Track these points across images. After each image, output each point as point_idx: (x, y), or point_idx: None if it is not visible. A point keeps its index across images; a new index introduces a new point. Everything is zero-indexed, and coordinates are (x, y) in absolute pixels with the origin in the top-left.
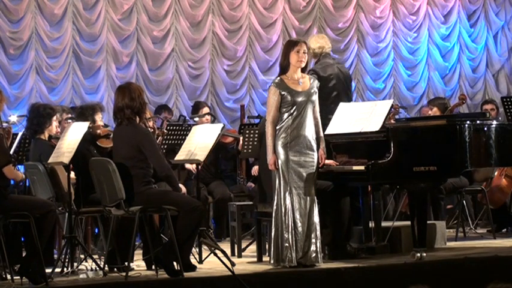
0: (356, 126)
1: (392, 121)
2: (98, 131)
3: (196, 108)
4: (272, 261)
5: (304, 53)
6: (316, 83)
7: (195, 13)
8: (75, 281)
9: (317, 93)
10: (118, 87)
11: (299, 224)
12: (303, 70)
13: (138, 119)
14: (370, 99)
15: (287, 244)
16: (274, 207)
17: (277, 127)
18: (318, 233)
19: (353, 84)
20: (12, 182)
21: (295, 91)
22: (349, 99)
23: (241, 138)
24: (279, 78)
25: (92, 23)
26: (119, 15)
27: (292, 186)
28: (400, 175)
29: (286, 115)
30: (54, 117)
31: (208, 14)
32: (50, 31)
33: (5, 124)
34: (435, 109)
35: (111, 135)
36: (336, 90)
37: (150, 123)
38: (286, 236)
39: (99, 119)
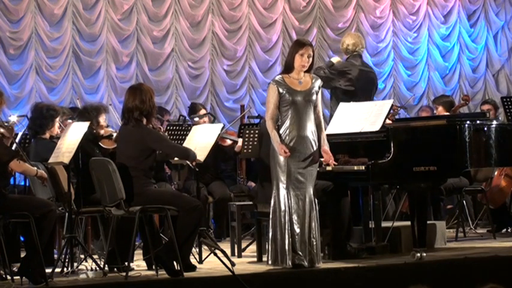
0: (356, 126)
1: (390, 121)
2: (101, 132)
3: (193, 110)
4: (270, 262)
5: (308, 57)
6: (318, 83)
7: (195, 13)
8: (75, 281)
9: (318, 94)
10: (129, 88)
11: (296, 226)
12: (308, 70)
13: (145, 121)
14: None
15: (284, 245)
16: (272, 208)
17: (277, 126)
18: (317, 234)
19: None
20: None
21: (295, 90)
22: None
23: (240, 140)
24: (280, 76)
25: (91, 23)
26: (119, 15)
27: (290, 187)
28: (400, 175)
29: (285, 114)
30: (57, 119)
31: (208, 14)
32: (50, 31)
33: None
34: (440, 108)
35: (114, 136)
36: (349, 91)
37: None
38: (284, 237)
39: (103, 120)
